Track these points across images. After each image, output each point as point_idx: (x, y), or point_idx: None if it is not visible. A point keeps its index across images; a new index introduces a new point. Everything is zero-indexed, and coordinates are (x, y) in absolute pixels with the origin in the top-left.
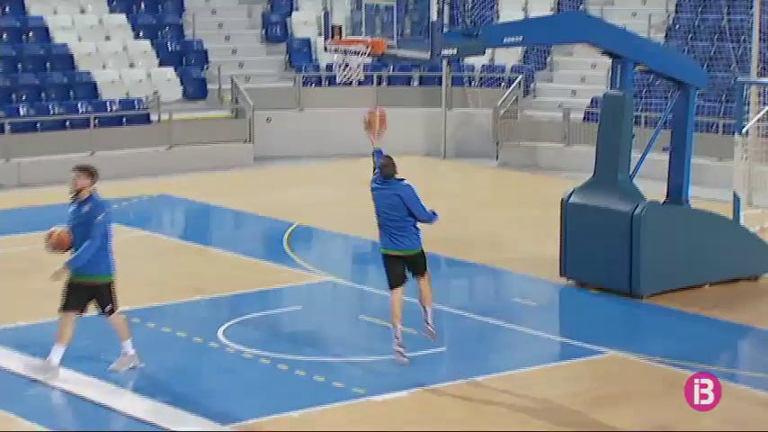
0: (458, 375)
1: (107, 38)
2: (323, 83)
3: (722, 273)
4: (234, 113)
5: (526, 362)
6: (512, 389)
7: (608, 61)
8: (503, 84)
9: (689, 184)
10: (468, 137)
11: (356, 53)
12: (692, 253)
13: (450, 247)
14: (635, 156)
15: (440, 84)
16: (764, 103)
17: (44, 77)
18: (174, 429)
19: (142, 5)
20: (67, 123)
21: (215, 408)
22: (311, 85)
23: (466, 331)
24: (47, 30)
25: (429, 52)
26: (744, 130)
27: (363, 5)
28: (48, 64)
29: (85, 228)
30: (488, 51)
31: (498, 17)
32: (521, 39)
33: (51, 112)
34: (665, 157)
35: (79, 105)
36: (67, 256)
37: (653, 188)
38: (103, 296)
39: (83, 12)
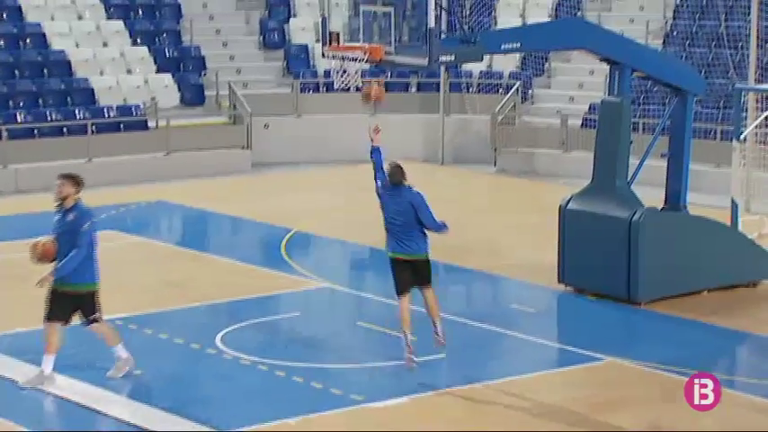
0: (456, 382)
1: (104, 44)
2: (320, 89)
3: (720, 279)
4: (231, 120)
5: (524, 368)
6: (510, 395)
7: (606, 68)
8: (500, 90)
9: (687, 190)
10: (465, 143)
11: (354, 59)
12: (690, 259)
13: (449, 254)
14: (633, 162)
15: (438, 90)
16: (762, 110)
17: (41, 84)
18: None
19: (139, 12)
20: (65, 130)
21: (212, 414)
22: (309, 91)
23: (464, 338)
24: (44, 36)
25: (427, 58)
26: (742, 137)
27: (361, 12)
28: (45, 70)
29: (71, 236)
30: (486, 58)
31: (496, 23)
32: (518, 45)
33: (49, 119)
34: (663, 163)
35: (76, 112)
36: (53, 265)
37: (651, 194)
38: (87, 305)
39: (80, 18)
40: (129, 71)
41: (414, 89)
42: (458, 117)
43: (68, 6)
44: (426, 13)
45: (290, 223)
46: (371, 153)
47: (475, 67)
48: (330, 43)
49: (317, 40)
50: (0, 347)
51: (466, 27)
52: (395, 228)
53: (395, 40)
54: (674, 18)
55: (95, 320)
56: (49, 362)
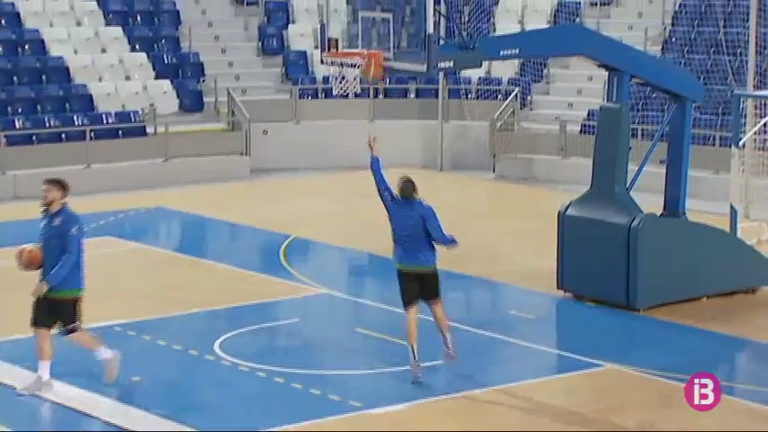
0: (455, 388)
1: (103, 50)
2: (319, 95)
3: (719, 285)
4: (230, 126)
5: (523, 375)
6: (509, 401)
7: (604, 74)
8: (499, 96)
9: (686, 196)
10: (464, 149)
11: (353, 66)
12: (689, 266)
13: (447, 260)
14: (632, 168)
15: (436, 96)
16: (761, 116)
17: (40, 90)
18: None
19: (138, 18)
20: (63, 136)
21: (211, 421)
22: (308, 97)
23: (463, 344)
24: (43, 42)
25: (425, 65)
26: (741, 143)
27: (360, 18)
28: (43, 76)
29: (59, 240)
30: (485, 64)
31: (495, 30)
32: (517, 51)
33: (47, 125)
34: (662, 169)
35: (75, 118)
36: (40, 273)
37: (650, 201)
38: (67, 313)
39: (79, 24)
40: (127, 77)
41: (412, 95)
42: (456, 123)
43: (67, 13)
44: (425, 20)
45: (289, 229)
46: (372, 164)
47: (474, 74)
48: (329, 49)
49: (316, 47)
50: None
51: (464, 33)
52: (403, 240)
53: (394, 46)
54: (673, 24)
55: (74, 330)
56: (44, 368)
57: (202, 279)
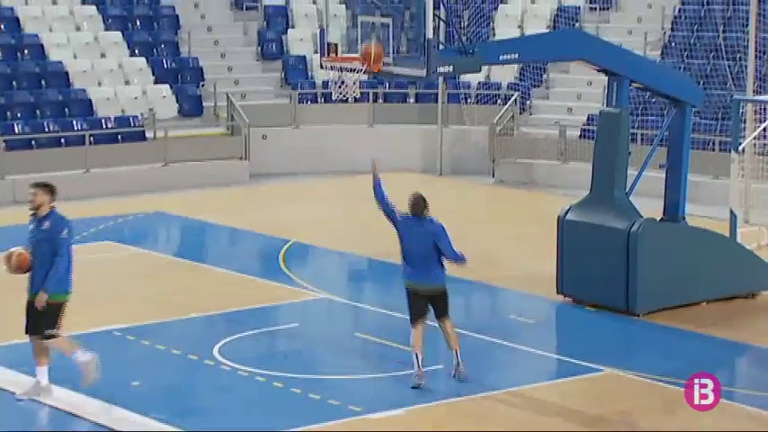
0: (454, 393)
1: (102, 55)
2: (319, 100)
3: (719, 290)
4: (229, 131)
5: (523, 379)
6: (509, 406)
7: (604, 79)
8: (499, 101)
9: (685, 201)
10: (464, 154)
11: (352, 70)
12: (688, 270)
13: (446, 265)
14: (631, 173)
15: (436, 101)
16: (761, 121)
17: (39, 95)
18: None
19: (137, 23)
20: (63, 141)
21: (210, 426)
22: (307, 102)
23: (463, 349)
24: (42, 47)
25: (425, 69)
26: (740, 148)
27: (359, 23)
28: (43, 81)
29: (48, 244)
30: (484, 68)
31: (494, 34)
32: (517, 56)
33: (46, 130)
34: (662, 174)
35: (74, 123)
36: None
37: (649, 205)
38: (49, 317)
39: (78, 29)
40: (126, 82)
41: (412, 100)
42: (456, 128)
43: (66, 17)
44: (424, 24)
45: (288, 234)
46: (375, 190)
47: (473, 78)
48: (328, 54)
49: (316, 51)
50: None
51: (464, 38)
52: (414, 258)
53: (393, 50)
54: (673, 29)
55: (52, 336)
56: (42, 373)
57: (202, 284)
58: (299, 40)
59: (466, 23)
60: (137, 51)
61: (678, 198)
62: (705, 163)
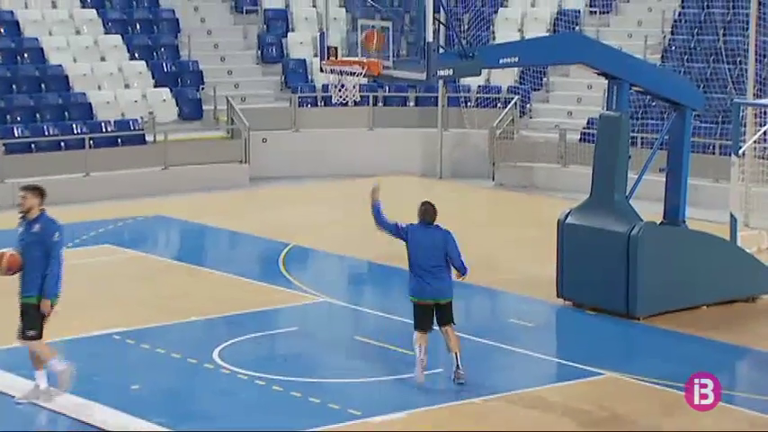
0: (454, 396)
1: (102, 59)
2: (318, 103)
3: (719, 294)
4: (229, 134)
5: (523, 383)
6: (509, 410)
7: (604, 82)
8: (499, 104)
9: (686, 204)
10: (464, 157)
11: (352, 74)
12: (688, 274)
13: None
14: (631, 176)
15: (436, 104)
16: (761, 125)
17: (39, 98)
18: None
19: (137, 26)
20: (62, 144)
21: (210, 430)
22: (307, 105)
23: (463, 352)
24: (42, 50)
25: (425, 73)
26: (740, 152)
27: (359, 26)
28: (42, 85)
29: (39, 246)
30: (484, 72)
31: (494, 38)
32: (517, 59)
33: (46, 133)
34: (662, 177)
35: (74, 126)
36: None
37: (650, 209)
38: (30, 317)
39: (78, 33)
40: (126, 85)
41: (412, 103)
42: (456, 131)
43: (66, 21)
44: (424, 28)
45: (288, 237)
46: (375, 214)
47: (473, 82)
48: (328, 57)
49: (315, 55)
50: None
51: (464, 41)
52: (422, 269)
53: (393, 54)
54: (673, 33)
55: (32, 338)
56: (42, 377)
57: (201, 287)
58: (299, 44)
59: (466, 27)
60: (137, 55)
61: (678, 201)
62: (705, 166)
